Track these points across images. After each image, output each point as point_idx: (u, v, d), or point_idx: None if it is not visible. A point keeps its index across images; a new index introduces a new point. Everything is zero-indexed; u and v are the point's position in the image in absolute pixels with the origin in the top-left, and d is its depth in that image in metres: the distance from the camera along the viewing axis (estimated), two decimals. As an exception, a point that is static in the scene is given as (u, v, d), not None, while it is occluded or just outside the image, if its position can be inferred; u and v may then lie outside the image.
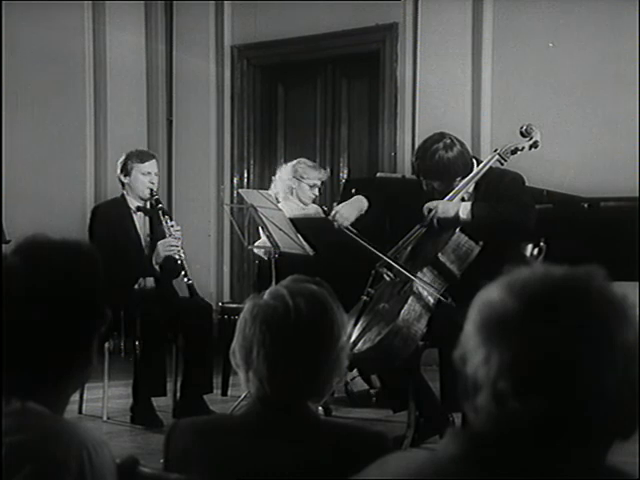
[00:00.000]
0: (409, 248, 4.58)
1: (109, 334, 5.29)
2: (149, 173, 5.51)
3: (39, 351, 1.60)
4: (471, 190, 4.56)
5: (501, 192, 4.47)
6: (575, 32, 6.78)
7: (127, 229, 5.50)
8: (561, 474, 1.21)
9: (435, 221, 4.44)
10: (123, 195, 5.59)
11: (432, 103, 7.12)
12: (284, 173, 6.20)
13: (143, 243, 5.54)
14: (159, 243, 5.43)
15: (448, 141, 4.49)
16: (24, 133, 8.39)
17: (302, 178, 6.13)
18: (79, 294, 1.63)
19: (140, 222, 5.56)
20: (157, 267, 5.43)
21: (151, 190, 5.50)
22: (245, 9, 8.20)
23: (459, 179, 4.52)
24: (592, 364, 1.19)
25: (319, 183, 6.23)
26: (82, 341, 1.65)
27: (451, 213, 4.43)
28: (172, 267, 5.43)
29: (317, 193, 6.24)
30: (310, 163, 6.28)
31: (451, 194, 4.50)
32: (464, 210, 4.43)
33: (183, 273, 5.40)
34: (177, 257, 5.41)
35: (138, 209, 5.54)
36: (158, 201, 5.52)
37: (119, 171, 5.58)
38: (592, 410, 1.20)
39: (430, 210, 4.46)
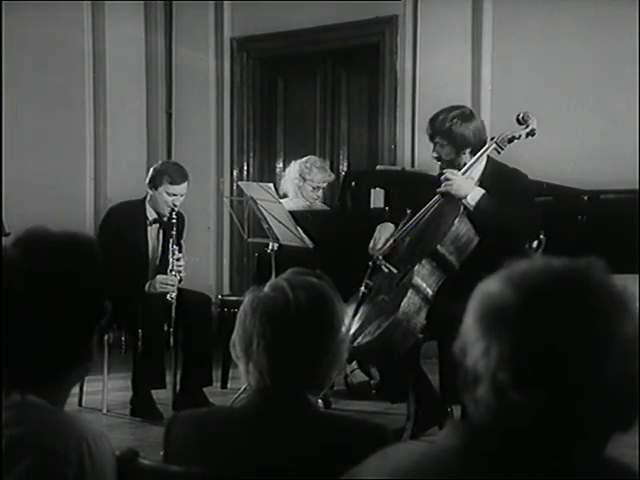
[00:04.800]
0: (407, 240, 4.58)
1: (109, 327, 5.29)
2: (175, 195, 5.40)
3: (39, 344, 1.60)
4: (477, 178, 4.56)
5: (510, 193, 4.46)
6: (575, 23, 6.77)
7: (137, 240, 5.42)
8: (560, 466, 1.21)
9: (446, 193, 4.47)
10: (144, 201, 5.49)
11: (432, 95, 7.10)
12: (292, 171, 6.23)
13: (150, 258, 5.47)
14: (157, 278, 5.34)
15: (468, 112, 4.62)
16: (24, 127, 8.38)
17: (306, 179, 6.15)
18: (78, 286, 1.63)
19: (153, 234, 5.49)
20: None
21: (172, 210, 5.39)
22: (245, 1, 8.19)
23: (469, 151, 4.52)
24: (591, 356, 1.19)
25: (323, 185, 6.23)
26: (82, 334, 1.65)
27: (462, 193, 4.45)
28: (161, 307, 5.28)
29: (320, 194, 6.25)
30: (318, 163, 6.27)
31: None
32: (474, 196, 4.43)
33: (169, 321, 5.23)
34: (169, 299, 5.29)
35: (154, 221, 5.48)
36: (173, 226, 5.38)
37: (148, 180, 5.45)
38: (590, 402, 1.20)
39: (447, 179, 4.47)
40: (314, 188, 6.18)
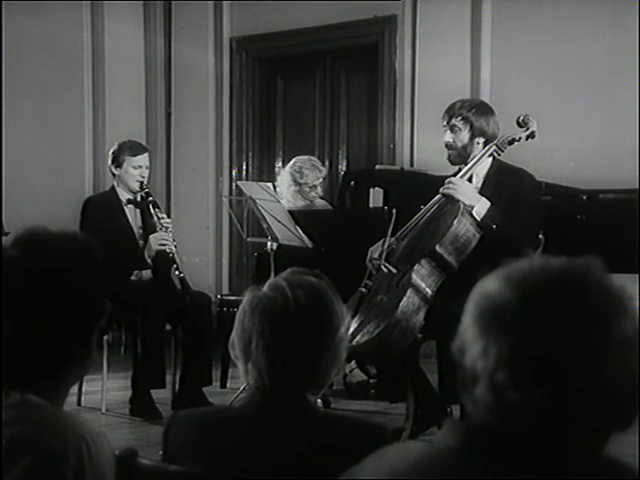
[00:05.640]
0: (406, 240, 4.59)
1: (108, 327, 5.29)
2: (140, 167, 5.49)
3: (38, 344, 1.60)
4: (482, 175, 4.57)
5: (517, 193, 4.47)
6: (575, 23, 6.77)
7: (119, 222, 5.48)
8: (558, 465, 1.22)
9: (449, 195, 4.48)
10: (113, 187, 5.58)
11: (431, 95, 7.11)
12: (284, 180, 6.18)
13: (136, 235, 5.53)
14: (151, 237, 5.42)
15: (488, 105, 4.73)
16: (23, 126, 8.38)
17: (300, 183, 6.13)
18: (78, 286, 1.63)
19: (131, 214, 5.55)
20: (150, 261, 5.44)
21: (141, 183, 5.48)
22: (244, 1, 8.19)
23: (482, 142, 4.54)
24: (590, 356, 1.19)
25: (319, 183, 6.21)
26: (81, 333, 1.65)
27: (465, 201, 4.45)
28: (164, 260, 5.44)
29: (319, 192, 6.23)
30: (307, 164, 6.21)
31: (460, 174, 4.52)
32: (479, 210, 4.43)
33: (175, 266, 5.41)
34: (168, 250, 5.41)
35: (129, 201, 5.53)
36: (148, 194, 5.51)
37: (110, 161, 5.55)
38: (589, 402, 1.20)
39: (451, 182, 4.48)
40: (310, 188, 6.17)
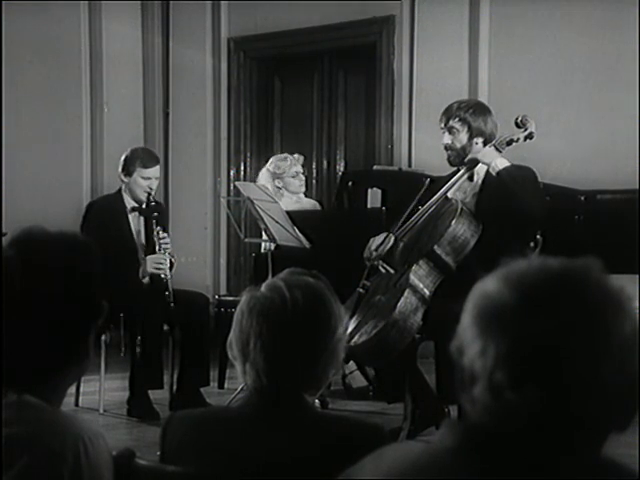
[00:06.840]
0: (404, 240, 4.59)
1: (106, 327, 5.28)
2: (149, 178, 5.45)
3: (36, 344, 1.60)
4: (482, 173, 4.58)
5: (518, 187, 4.50)
6: (573, 23, 6.77)
7: (121, 229, 5.44)
8: (557, 465, 1.21)
9: (471, 162, 4.55)
10: (120, 192, 5.53)
11: (429, 95, 7.11)
12: (265, 179, 6.18)
13: (137, 244, 5.48)
14: (148, 259, 5.37)
15: (485, 105, 4.75)
16: (21, 126, 8.37)
17: (280, 176, 6.14)
18: (76, 287, 1.63)
19: (135, 221, 5.50)
20: (144, 280, 5.39)
21: (148, 194, 5.44)
22: (242, 1, 8.19)
23: (480, 142, 4.55)
24: (588, 356, 1.19)
25: (299, 170, 6.23)
26: (79, 334, 1.65)
27: (486, 160, 4.50)
28: (157, 285, 5.36)
29: (303, 178, 6.26)
30: (281, 157, 6.29)
31: (459, 173, 4.54)
32: (500, 162, 4.47)
33: (167, 293, 5.31)
34: (163, 276, 5.35)
35: (133, 209, 5.50)
36: (154, 209, 5.44)
37: (120, 169, 5.49)
38: (588, 402, 1.20)
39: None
40: (294, 177, 6.18)
